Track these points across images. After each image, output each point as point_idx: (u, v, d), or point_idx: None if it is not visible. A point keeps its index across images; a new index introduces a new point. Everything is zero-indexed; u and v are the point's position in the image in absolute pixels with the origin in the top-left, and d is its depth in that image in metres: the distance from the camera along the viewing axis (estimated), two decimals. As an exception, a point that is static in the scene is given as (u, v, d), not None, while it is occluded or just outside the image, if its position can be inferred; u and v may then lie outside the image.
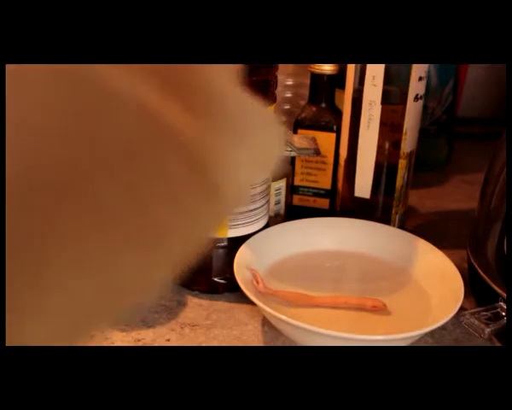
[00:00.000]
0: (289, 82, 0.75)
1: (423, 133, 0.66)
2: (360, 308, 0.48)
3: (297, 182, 0.65)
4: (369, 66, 0.55)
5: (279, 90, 0.53)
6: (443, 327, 0.47)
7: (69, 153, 0.15)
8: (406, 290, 0.51)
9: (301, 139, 0.62)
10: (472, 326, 0.45)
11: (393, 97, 0.56)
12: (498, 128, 0.62)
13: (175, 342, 0.46)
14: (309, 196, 0.66)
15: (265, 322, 0.48)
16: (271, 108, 0.21)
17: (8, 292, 0.13)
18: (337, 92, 0.65)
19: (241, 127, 0.19)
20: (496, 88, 1.09)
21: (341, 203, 0.62)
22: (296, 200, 0.66)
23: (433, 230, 0.67)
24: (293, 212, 0.66)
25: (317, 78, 0.63)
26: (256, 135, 0.20)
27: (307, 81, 0.65)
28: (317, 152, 0.62)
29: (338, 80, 0.63)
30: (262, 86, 0.50)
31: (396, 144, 0.57)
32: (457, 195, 0.78)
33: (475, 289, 0.52)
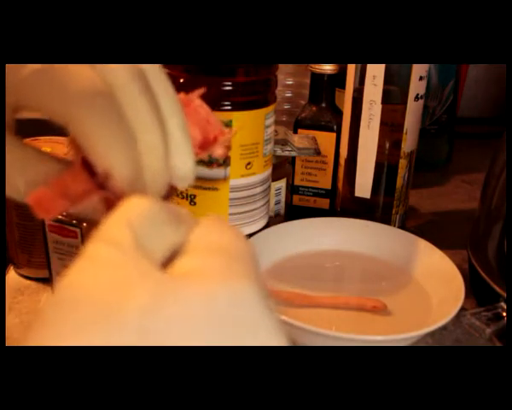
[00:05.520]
0: (289, 82, 0.75)
1: (423, 133, 0.66)
2: (360, 309, 0.48)
3: (297, 182, 0.65)
4: (369, 65, 0.55)
5: (279, 90, 0.53)
6: (443, 327, 0.46)
7: None
8: (406, 291, 0.51)
9: (301, 139, 0.62)
10: (472, 327, 0.45)
11: (394, 97, 0.56)
12: (498, 128, 0.62)
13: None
14: (309, 196, 0.66)
15: (265, 322, 0.48)
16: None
17: None
18: (337, 92, 0.65)
19: None
20: (496, 87, 1.09)
21: (341, 203, 0.62)
22: (296, 200, 0.66)
23: (433, 230, 0.67)
24: (293, 212, 0.66)
25: (317, 77, 0.63)
26: None
27: (307, 81, 0.65)
28: (318, 152, 0.62)
29: (338, 80, 0.63)
30: (262, 86, 0.49)
31: (396, 144, 0.57)
32: (457, 195, 0.78)
33: (476, 290, 0.52)
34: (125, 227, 0.19)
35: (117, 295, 0.17)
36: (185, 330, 0.17)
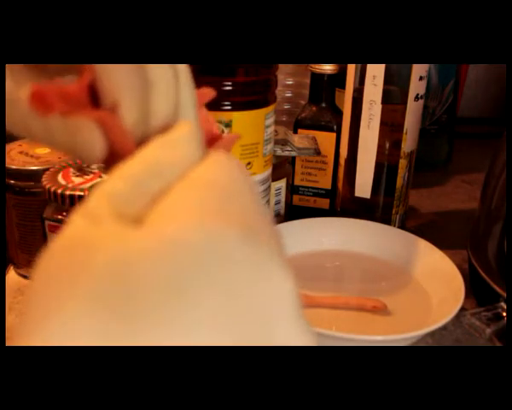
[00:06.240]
0: (289, 82, 0.75)
1: (423, 133, 0.66)
2: (360, 309, 0.48)
3: (297, 182, 0.65)
4: (369, 65, 0.55)
5: (279, 90, 0.53)
6: (443, 327, 0.47)
7: None
8: (406, 291, 0.51)
9: (301, 139, 0.62)
10: (472, 327, 0.45)
11: (394, 97, 0.56)
12: (498, 128, 0.62)
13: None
14: (309, 196, 0.66)
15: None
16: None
17: None
18: (337, 92, 0.65)
19: None
20: (496, 87, 1.09)
21: (341, 203, 0.62)
22: (296, 200, 0.66)
23: (433, 230, 0.67)
24: (293, 212, 0.66)
25: (317, 77, 0.63)
26: None
27: (307, 81, 0.65)
28: (318, 152, 0.62)
29: (338, 80, 0.63)
30: (262, 86, 0.49)
31: (396, 144, 0.57)
32: (457, 195, 0.78)
33: (476, 290, 0.52)
34: (103, 197, 0.18)
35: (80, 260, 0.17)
36: (157, 279, 0.17)
